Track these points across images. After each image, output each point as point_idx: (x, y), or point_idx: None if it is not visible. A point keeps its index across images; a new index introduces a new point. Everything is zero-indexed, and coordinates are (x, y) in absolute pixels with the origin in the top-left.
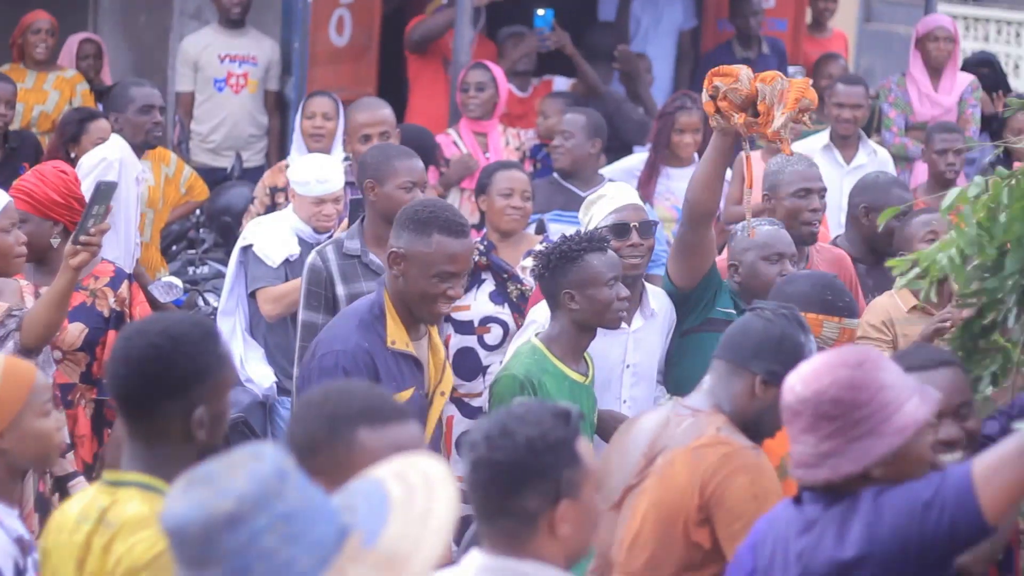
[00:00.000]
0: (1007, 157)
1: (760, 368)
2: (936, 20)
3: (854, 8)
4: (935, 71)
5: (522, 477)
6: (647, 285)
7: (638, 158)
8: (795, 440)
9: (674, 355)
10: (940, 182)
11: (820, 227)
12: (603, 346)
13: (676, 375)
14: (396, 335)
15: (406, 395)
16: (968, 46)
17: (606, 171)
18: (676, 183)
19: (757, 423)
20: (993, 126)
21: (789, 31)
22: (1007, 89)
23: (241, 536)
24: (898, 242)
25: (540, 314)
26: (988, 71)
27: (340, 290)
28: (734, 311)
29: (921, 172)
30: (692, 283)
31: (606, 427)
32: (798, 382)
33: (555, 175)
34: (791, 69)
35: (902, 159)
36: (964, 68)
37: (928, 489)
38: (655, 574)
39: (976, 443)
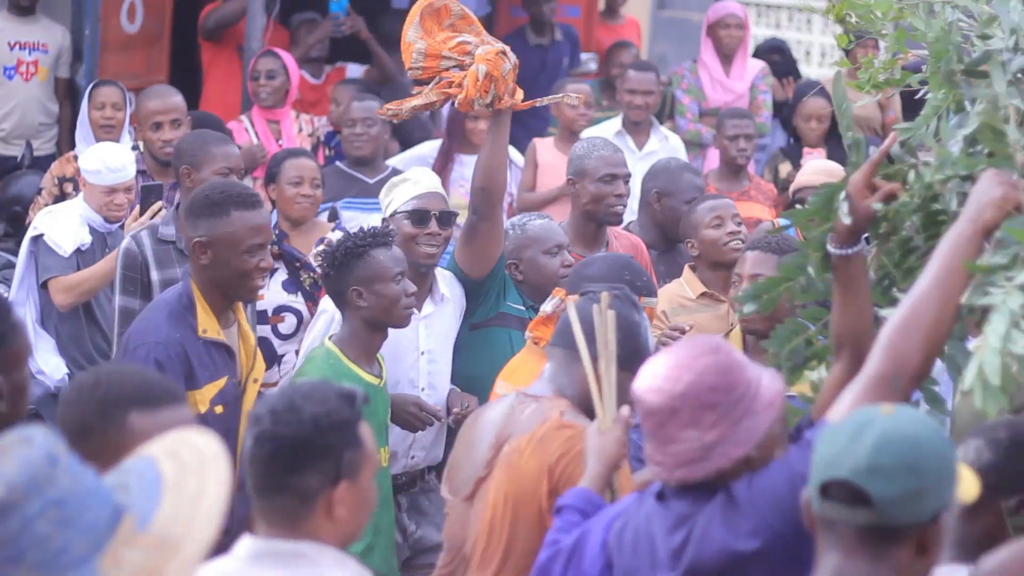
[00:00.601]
0: (797, 142)
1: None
2: (727, 7)
3: None
4: (726, 58)
5: (304, 454)
6: (437, 270)
7: (430, 145)
8: (672, 440)
9: (464, 349)
10: (731, 168)
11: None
12: (395, 334)
13: (466, 369)
14: (207, 324)
15: (219, 384)
16: (760, 33)
17: (399, 159)
18: (470, 170)
19: None
20: (784, 112)
21: (582, 18)
22: (798, 75)
23: (13, 523)
24: (684, 229)
25: (332, 303)
26: (779, 58)
27: (155, 275)
28: (523, 308)
29: (713, 158)
30: (483, 272)
31: (398, 411)
32: (664, 382)
33: (339, 163)
34: (584, 56)
35: (696, 145)
36: (755, 55)
37: (800, 461)
38: (513, 563)
39: None
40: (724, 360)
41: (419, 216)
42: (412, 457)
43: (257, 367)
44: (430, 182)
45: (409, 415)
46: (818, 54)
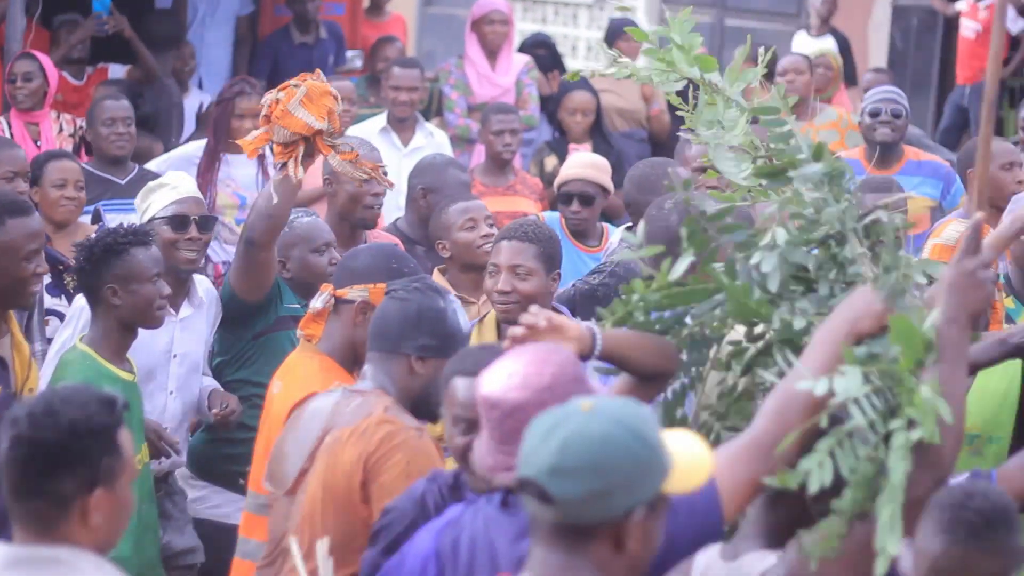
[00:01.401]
0: (562, 136)
1: (411, 348)
2: (491, 3)
3: None
4: (492, 53)
5: (61, 459)
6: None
7: (195, 145)
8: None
9: (249, 358)
10: (497, 163)
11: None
12: (148, 335)
13: (256, 377)
14: None
15: None
16: (526, 27)
17: (163, 159)
18: (236, 169)
19: (425, 400)
20: (550, 106)
21: (347, 15)
22: (563, 69)
23: None
24: (435, 230)
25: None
26: (545, 52)
27: None
28: (300, 306)
29: (481, 153)
30: (260, 295)
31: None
32: (525, 378)
33: (86, 165)
34: (349, 53)
35: (465, 140)
36: (521, 49)
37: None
38: (333, 555)
39: None
40: (571, 363)
41: (179, 221)
42: (159, 463)
43: (32, 377)
44: (188, 187)
45: (148, 442)
46: (584, 48)
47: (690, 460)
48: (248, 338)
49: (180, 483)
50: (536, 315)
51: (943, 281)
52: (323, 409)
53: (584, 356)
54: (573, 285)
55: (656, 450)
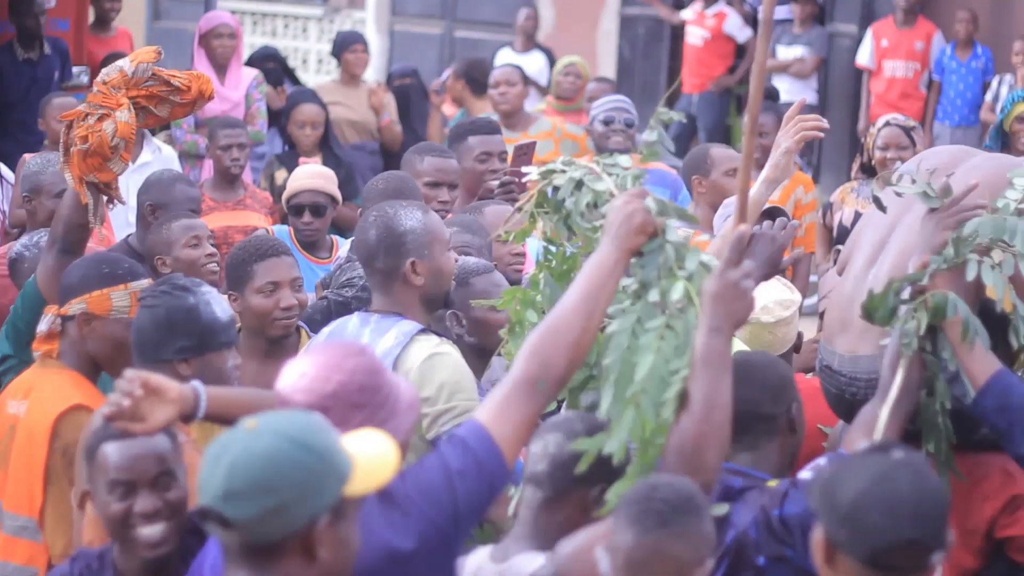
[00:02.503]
0: (292, 149)
1: (170, 353)
2: (218, 17)
3: (142, 6)
4: (220, 67)
5: None
6: None
7: None
8: None
9: None
10: (226, 177)
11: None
12: None
13: None
14: None
15: None
16: (256, 40)
17: None
18: None
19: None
20: (281, 120)
21: (72, 30)
22: (295, 82)
23: None
24: (155, 245)
25: None
26: (274, 65)
27: None
28: None
29: (210, 168)
30: None
31: None
32: (313, 382)
33: None
34: (76, 69)
35: (194, 156)
36: (250, 63)
37: (454, 459)
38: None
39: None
40: (371, 362)
41: None
42: None
43: None
44: None
45: None
46: (315, 61)
47: (372, 459)
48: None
49: None
50: (132, 381)
51: (706, 292)
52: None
53: (187, 417)
54: (326, 298)
55: (327, 457)
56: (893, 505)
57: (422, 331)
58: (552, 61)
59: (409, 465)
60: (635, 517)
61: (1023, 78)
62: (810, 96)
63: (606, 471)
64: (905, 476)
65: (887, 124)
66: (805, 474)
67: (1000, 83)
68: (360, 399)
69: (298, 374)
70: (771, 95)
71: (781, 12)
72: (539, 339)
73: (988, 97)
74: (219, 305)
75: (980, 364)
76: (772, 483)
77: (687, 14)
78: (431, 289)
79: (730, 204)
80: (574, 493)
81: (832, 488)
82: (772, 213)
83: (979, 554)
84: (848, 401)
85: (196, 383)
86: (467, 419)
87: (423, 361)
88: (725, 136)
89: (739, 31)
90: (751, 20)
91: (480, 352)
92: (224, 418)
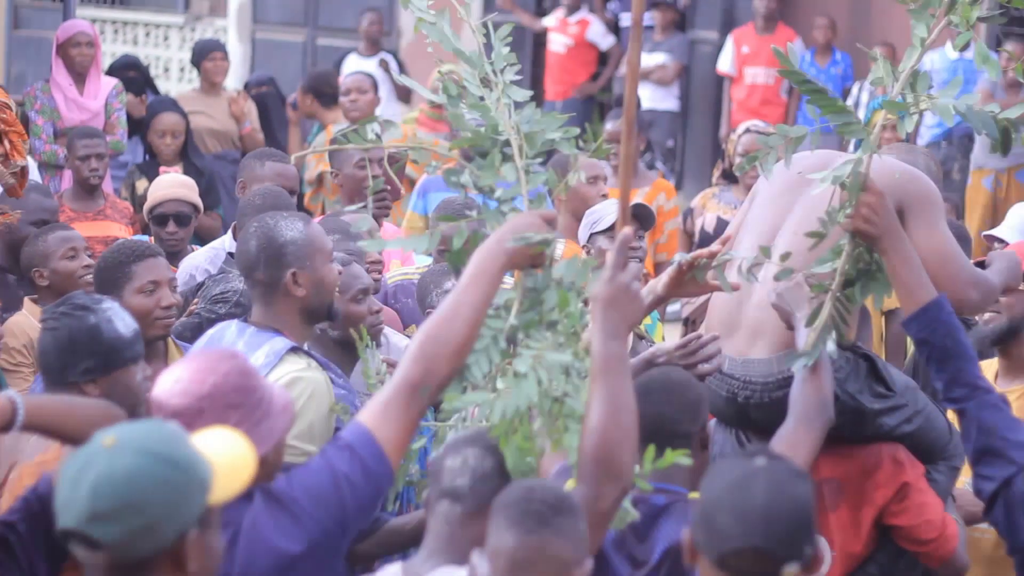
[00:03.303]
0: (153, 158)
1: (75, 375)
2: (75, 25)
3: (1, 15)
4: (80, 76)
5: None
6: None
7: None
8: None
9: None
10: (85, 188)
11: None
12: None
13: None
14: None
15: None
16: (117, 49)
17: None
18: None
19: None
20: (142, 129)
21: None
22: (155, 91)
23: None
24: (31, 258)
25: None
26: (135, 74)
27: None
28: None
29: (70, 178)
30: None
31: None
32: (189, 385)
33: None
34: None
35: (53, 166)
36: (110, 72)
37: (340, 461)
38: None
39: None
40: (244, 364)
41: None
42: None
43: None
44: None
45: None
46: (177, 69)
47: (229, 462)
48: None
49: None
50: None
51: (597, 299)
52: (6, 443)
53: (4, 427)
54: (198, 314)
55: (191, 469)
56: (744, 512)
57: (292, 350)
58: (399, 64)
59: (295, 468)
60: (515, 519)
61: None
62: (672, 103)
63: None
64: (761, 484)
65: (747, 131)
66: None
67: (860, 89)
68: (235, 399)
69: (173, 379)
70: None
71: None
72: (422, 344)
73: (849, 103)
74: (121, 320)
75: (916, 290)
76: (695, 495)
77: (549, 21)
78: (313, 301)
79: (595, 212)
80: (489, 507)
81: (700, 489)
82: (637, 212)
83: (868, 541)
84: (740, 404)
85: (11, 392)
86: (352, 422)
87: (285, 383)
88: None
89: (602, 38)
90: (613, 27)
91: (344, 346)
92: (48, 428)
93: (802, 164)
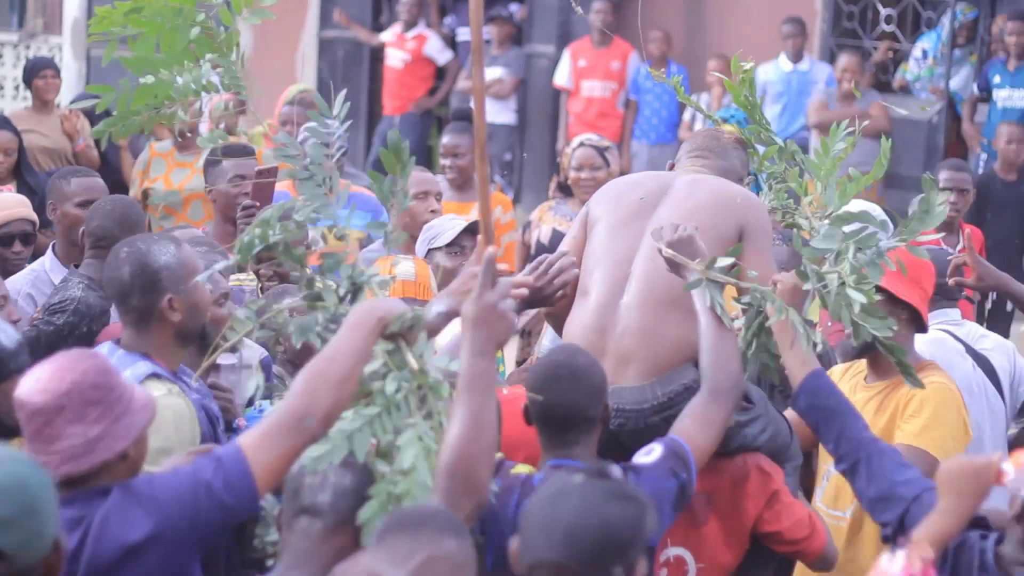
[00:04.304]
0: None
1: None
2: None
3: None
4: None
5: None
6: None
7: None
8: (58, 437)
9: None
10: None
11: None
12: None
13: None
14: None
15: None
16: None
17: None
18: None
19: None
20: None
21: None
22: None
23: None
24: None
25: None
26: None
27: None
28: None
29: None
30: None
31: None
32: (48, 383)
33: None
34: None
35: None
36: None
37: (205, 470)
38: None
39: None
40: (103, 363)
41: None
42: None
43: None
44: None
45: None
46: (11, 87)
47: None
48: None
49: None
50: None
51: (466, 317)
52: None
53: None
54: (35, 325)
55: (46, 474)
56: (549, 527)
57: (153, 375)
58: None
59: (163, 470)
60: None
61: (718, 97)
62: (509, 117)
63: None
64: (572, 502)
65: (581, 144)
66: (642, 458)
67: (698, 102)
68: (94, 396)
69: (34, 379)
70: (467, 116)
71: None
72: (307, 379)
73: (686, 116)
74: (3, 333)
75: (799, 365)
76: None
77: (386, 36)
78: (188, 324)
79: (433, 227)
80: (351, 523)
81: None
82: (473, 228)
83: (740, 551)
84: (610, 432)
85: None
86: (230, 441)
87: None
88: (426, 157)
89: (439, 53)
90: (450, 42)
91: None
92: None
93: (642, 189)
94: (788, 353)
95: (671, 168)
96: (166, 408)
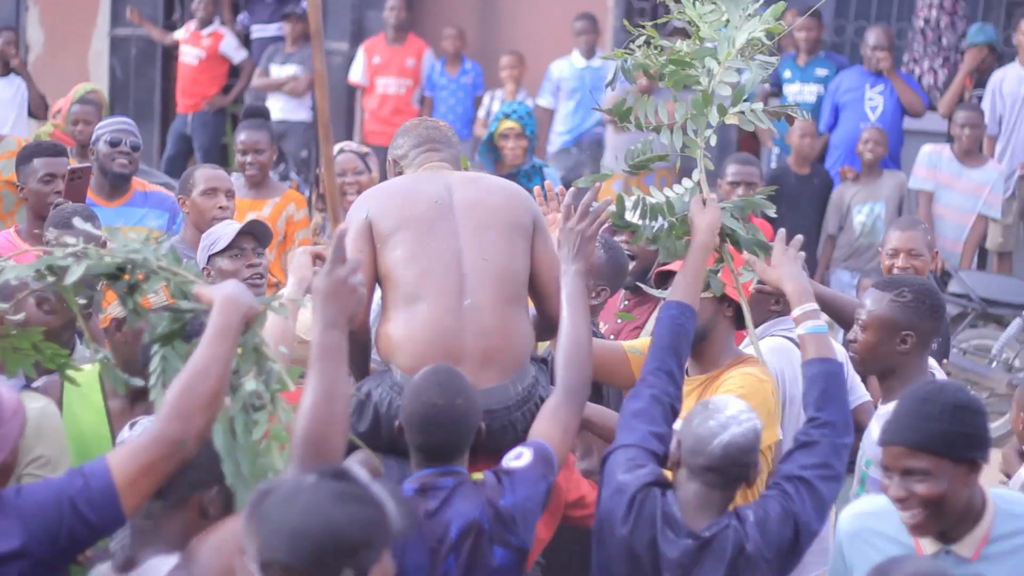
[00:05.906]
0: None
1: None
2: None
3: None
4: None
5: None
6: None
7: None
8: None
9: None
10: None
11: None
12: None
13: None
14: None
15: None
16: None
17: None
18: None
19: None
20: None
21: None
22: None
23: None
24: None
25: None
26: None
27: None
28: None
29: None
30: None
31: None
32: None
33: None
34: None
35: None
36: None
37: (70, 486)
38: None
39: None
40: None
41: None
42: None
43: None
44: None
45: None
46: None
47: None
48: None
49: None
50: None
51: (316, 292)
52: None
53: None
54: None
55: None
56: (277, 526)
57: (24, 388)
58: (29, 86)
59: (34, 481)
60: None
61: (512, 93)
62: (305, 114)
63: (217, 473)
64: (299, 502)
65: (341, 151)
66: (513, 462)
67: (492, 98)
68: None
69: None
70: (263, 113)
71: (272, 30)
72: (180, 399)
73: (480, 113)
74: None
75: (680, 288)
76: (477, 476)
77: (180, 34)
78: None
79: (211, 234)
80: (191, 498)
81: None
82: (252, 228)
83: (554, 527)
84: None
85: None
86: (99, 457)
87: None
88: (221, 155)
89: (235, 52)
90: (245, 41)
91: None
92: None
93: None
94: (684, 272)
95: (393, 164)
96: (32, 409)
